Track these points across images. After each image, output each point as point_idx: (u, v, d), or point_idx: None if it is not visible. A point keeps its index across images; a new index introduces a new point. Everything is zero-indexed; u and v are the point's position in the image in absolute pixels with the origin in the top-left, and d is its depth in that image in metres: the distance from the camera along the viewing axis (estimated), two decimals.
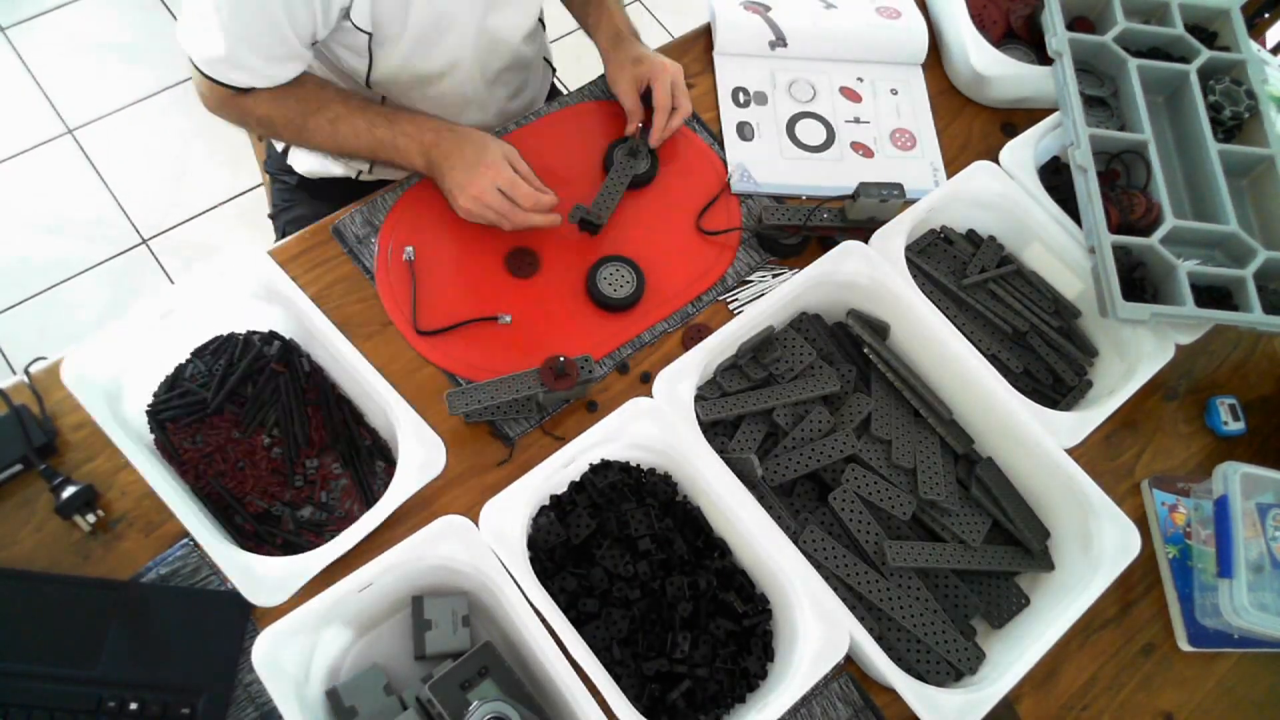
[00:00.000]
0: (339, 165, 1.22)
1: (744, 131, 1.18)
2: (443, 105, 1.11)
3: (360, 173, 1.20)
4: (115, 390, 0.86)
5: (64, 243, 2.01)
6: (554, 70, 1.41)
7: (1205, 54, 1.12)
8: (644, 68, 1.12)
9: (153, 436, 0.89)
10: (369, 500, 0.88)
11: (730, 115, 1.19)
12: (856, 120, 1.22)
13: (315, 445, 0.91)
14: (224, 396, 0.90)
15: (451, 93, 1.12)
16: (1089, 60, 1.13)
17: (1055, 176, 1.13)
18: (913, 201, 1.06)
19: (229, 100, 0.99)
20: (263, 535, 0.86)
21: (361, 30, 0.96)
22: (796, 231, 1.08)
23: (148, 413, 0.90)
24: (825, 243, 1.09)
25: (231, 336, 0.93)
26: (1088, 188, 1.01)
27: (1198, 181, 1.08)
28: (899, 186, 1.04)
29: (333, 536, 0.80)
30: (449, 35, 1.02)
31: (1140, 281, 1.04)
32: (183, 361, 0.92)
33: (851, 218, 1.07)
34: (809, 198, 1.13)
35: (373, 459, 0.91)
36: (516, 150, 1.03)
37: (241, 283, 0.91)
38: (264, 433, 0.90)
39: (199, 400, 0.90)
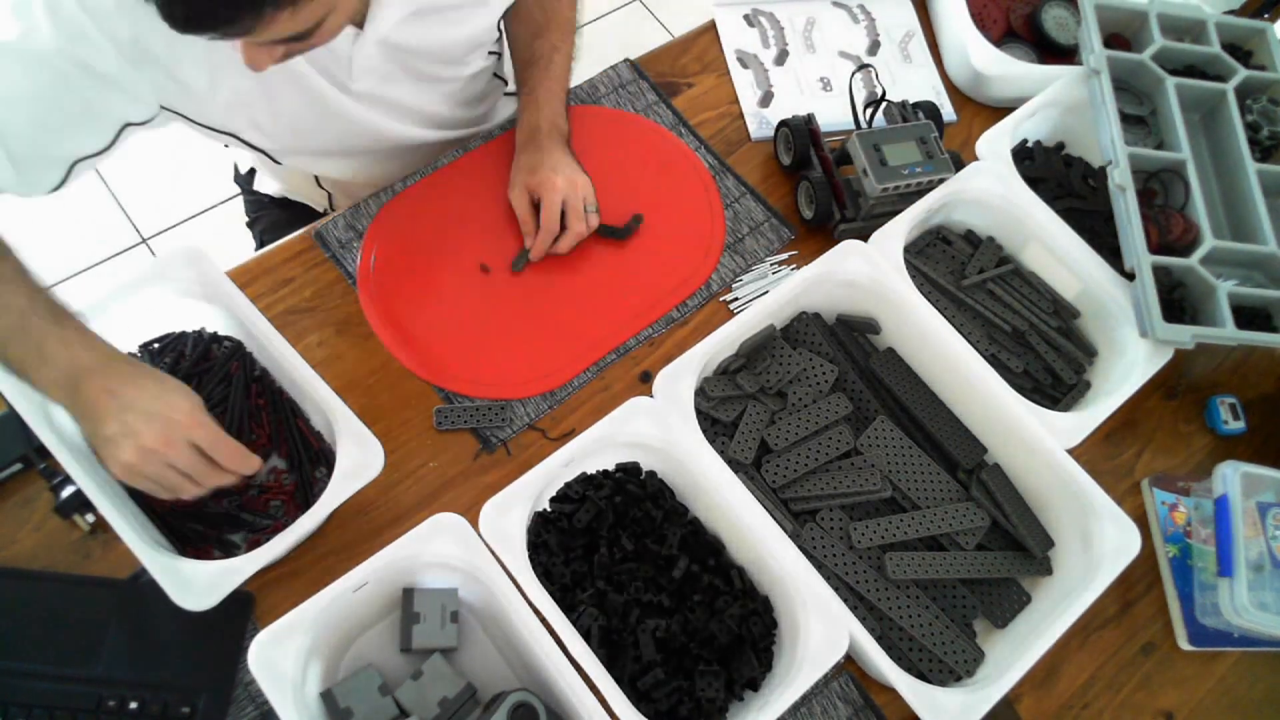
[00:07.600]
0: (302, 197, 1.23)
1: (756, 83, 1.22)
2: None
3: (326, 210, 1.20)
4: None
5: (64, 243, 2.01)
6: (506, 84, 1.25)
7: (1242, 73, 1.11)
8: (536, 179, 1.01)
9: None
10: (307, 504, 0.84)
11: (741, 77, 1.23)
12: (858, 51, 1.28)
13: (260, 447, 0.88)
14: None
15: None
16: (1124, 78, 1.13)
17: (1024, 161, 1.13)
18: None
19: None
20: (205, 519, 0.84)
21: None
22: None
23: None
24: None
25: (181, 335, 0.91)
26: (1127, 208, 1.00)
27: (1235, 201, 1.08)
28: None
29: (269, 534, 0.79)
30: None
31: (1179, 302, 1.03)
32: (131, 354, 0.89)
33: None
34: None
35: (316, 463, 0.88)
36: (201, 400, 0.78)
37: (178, 282, 0.87)
38: None
39: None
